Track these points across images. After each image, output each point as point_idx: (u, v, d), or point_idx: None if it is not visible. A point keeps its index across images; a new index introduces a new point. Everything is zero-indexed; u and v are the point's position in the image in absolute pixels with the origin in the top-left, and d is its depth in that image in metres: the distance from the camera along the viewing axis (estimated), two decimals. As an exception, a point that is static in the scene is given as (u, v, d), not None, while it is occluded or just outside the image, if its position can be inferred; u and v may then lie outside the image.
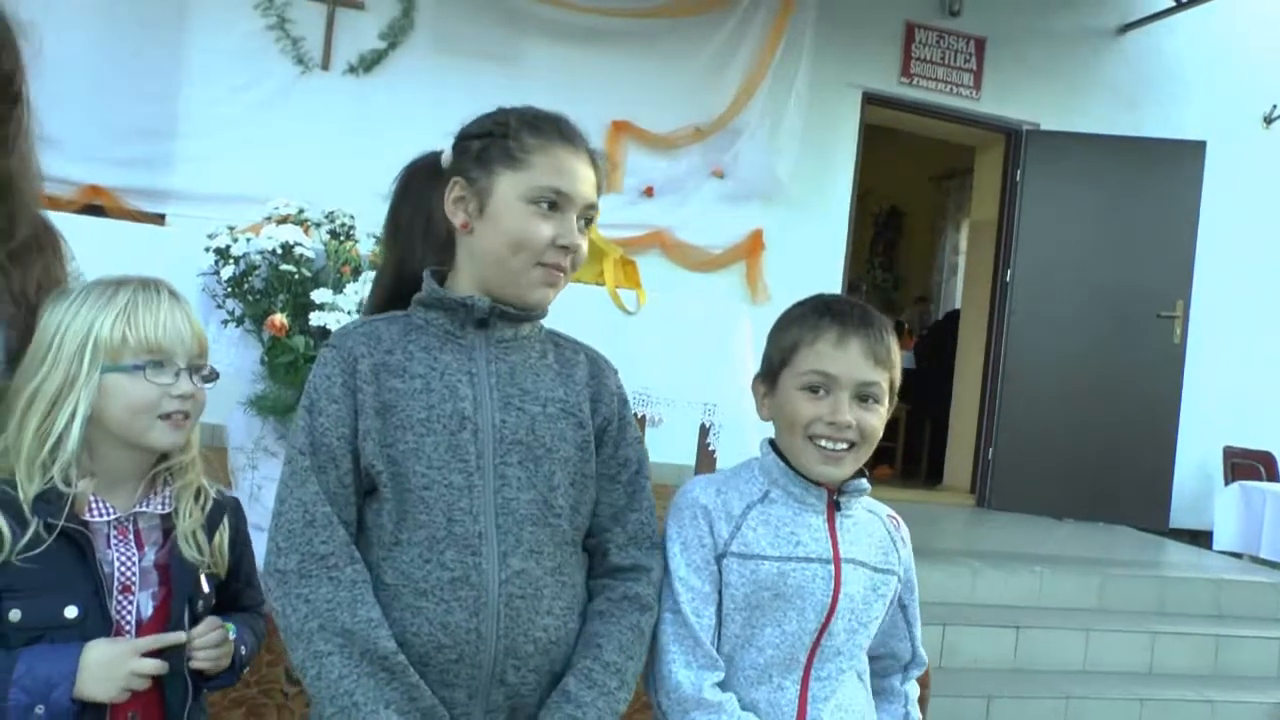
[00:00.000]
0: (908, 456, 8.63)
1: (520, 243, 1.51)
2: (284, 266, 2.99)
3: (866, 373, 1.62)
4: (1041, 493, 6.80)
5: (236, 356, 3.01)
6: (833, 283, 6.46)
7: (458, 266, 1.59)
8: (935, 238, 10.30)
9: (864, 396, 1.63)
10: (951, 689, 3.90)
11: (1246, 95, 7.37)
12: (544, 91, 5.43)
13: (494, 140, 1.55)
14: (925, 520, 6.11)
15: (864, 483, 1.68)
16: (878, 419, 1.64)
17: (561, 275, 1.56)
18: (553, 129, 1.56)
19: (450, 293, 1.55)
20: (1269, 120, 7.40)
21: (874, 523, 1.73)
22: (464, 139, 1.59)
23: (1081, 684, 4.35)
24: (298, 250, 3.01)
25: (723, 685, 1.60)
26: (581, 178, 1.55)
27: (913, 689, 1.81)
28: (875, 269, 10.80)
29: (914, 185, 10.14)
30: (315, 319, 2.89)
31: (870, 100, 6.71)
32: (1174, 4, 6.86)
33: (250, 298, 3.01)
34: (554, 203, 1.52)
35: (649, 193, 6.02)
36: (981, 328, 7.33)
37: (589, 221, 1.58)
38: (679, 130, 6.10)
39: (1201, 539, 6.52)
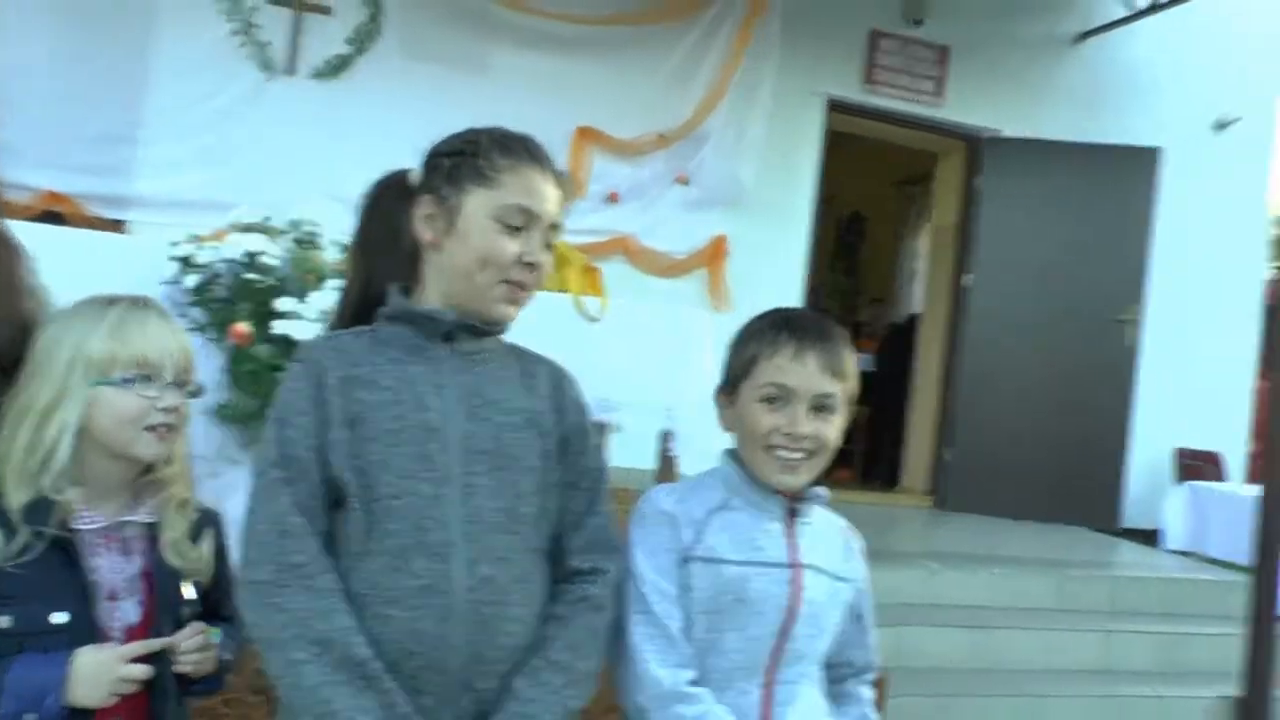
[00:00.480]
0: (868, 459, 8.69)
1: (487, 259, 1.55)
2: (248, 275, 3.00)
3: (823, 385, 1.67)
4: (999, 494, 6.87)
5: (199, 365, 3.01)
6: (795, 288, 6.52)
7: (425, 282, 1.62)
8: (897, 243, 10.39)
9: (820, 408, 1.67)
10: (911, 689, 3.93)
11: (1199, 102, 7.50)
12: (511, 98, 5.51)
13: (465, 159, 1.58)
14: (884, 522, 6.18)
15: (821, 491, 1.73)
16: (834, 429, 1.69)
17: (525, 292, 1.60)
18: (522, 149, 1.60)
19: (417, 306, 1.59)
20: (1220, 126, 7.54)
21: (831, 532, 1.77)
22: (434, 157, 1.63)
23: (1039, 682, 4.43)
24: (262, 259, 3.02)
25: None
26: (548, 197, 1.59)
27: (868, 691, 1.86)
28: (838, 274, 10.87)
29: (877, 191, 10.22)
30: (278, 328, 2.90)
31: (834, 107, 6.77)
32: (1130, 13, 6.97)
33: (213, 306, 3.02)
34: (521, 221, 1.56)
35: (614, 199, 6.03)
36: (941, 331, 7.42)
37: (550, 243, 1.62)
38: (644, 137, 6.12)
39: (1154, 539, 6.64)
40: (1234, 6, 7.27)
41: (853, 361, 1.72)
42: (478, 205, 1.56)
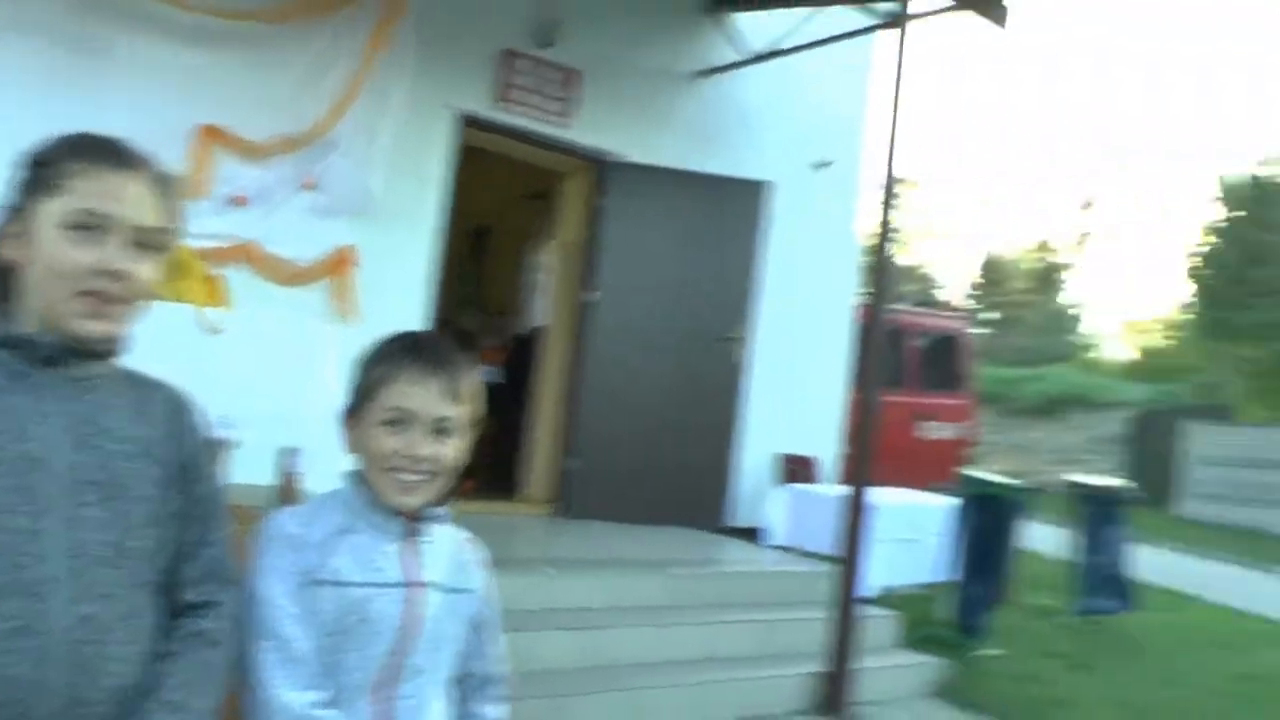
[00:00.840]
0: (492, 468, 8.77)
1: (55, 271, 1.46)
2: None
3: (443, 409, 1.73)
4: (618, 500, 7.17)
5: None
6: (422, 299, 6.51)
7: (24, 304, 1.52)
8: (524, 257, 10.59)
9: (440, 430, 1.74)
10: (529, 692, 4.00)
11: (801, 143, 8.28)
12: (132, 88, 5.17)
13: (37, 169, 1.50)
14: (507, 531, 6.31)
15: (441, 510, 1.80)
16: (453, 451, 1.76)
17: (114, 305, 1.50)
18: (101, 151, 1.52)
19: (14, 330, 1.50)
20: (817, 167, 8.38)
21: (452, 547, 1.84)
22: (17, 171, 1.53)
23: (649, 675, 4.71)
24: None
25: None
26: (128, 199, 1.50)
27: (495, 711, 1.92)
28: (471, 284, 10.92)
29: (507, 205, 10.35)
30: None
31: (467, 122, 6.81)
32: (740, 59, 7.57)
33: None
34: (91, 225, 1.47)
35: (240, 202, 5.72)
36: (565, 344, 7.62)
37: (159, 247, 1.54)
38: (272, 139, 5.85)
39: (758, 536, 7.25)
40: (831, 69, 8.12)
41: (474, 385, 1.79)
42: (47, 215, 1.47)
